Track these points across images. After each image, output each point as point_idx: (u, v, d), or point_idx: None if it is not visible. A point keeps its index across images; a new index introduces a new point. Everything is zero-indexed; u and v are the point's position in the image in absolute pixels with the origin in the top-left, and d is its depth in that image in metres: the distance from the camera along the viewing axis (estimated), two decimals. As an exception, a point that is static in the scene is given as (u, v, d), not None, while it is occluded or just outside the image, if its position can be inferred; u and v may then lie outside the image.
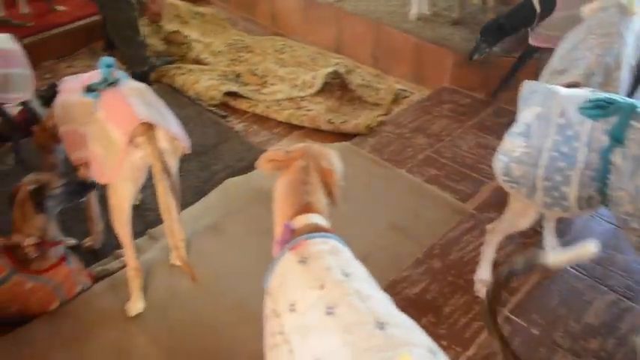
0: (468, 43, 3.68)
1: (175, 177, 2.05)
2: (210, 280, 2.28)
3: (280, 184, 1.47)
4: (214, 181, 2.91)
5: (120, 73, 2.11)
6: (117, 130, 1.88)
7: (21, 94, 2.77)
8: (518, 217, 1.99)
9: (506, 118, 3.37)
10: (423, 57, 3.86)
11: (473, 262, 2.29)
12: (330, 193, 1.47)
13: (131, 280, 2.13)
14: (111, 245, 2.50)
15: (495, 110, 3.45)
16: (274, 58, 4.21)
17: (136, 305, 2.16)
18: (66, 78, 2.34)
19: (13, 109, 3.10)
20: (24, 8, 4.36)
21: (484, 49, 3.30)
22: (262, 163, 1.53)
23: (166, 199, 1.90)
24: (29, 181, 2.07)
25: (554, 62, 2.30)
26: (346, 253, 1.28)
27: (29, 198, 2.02)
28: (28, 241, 2.02)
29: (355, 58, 4.19)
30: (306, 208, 1.37)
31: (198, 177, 2.97)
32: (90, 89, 2.03)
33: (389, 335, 1.04)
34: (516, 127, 1.84)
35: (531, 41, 3.14)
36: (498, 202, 2.58)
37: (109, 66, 2.07)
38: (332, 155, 1.55)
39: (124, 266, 2.22)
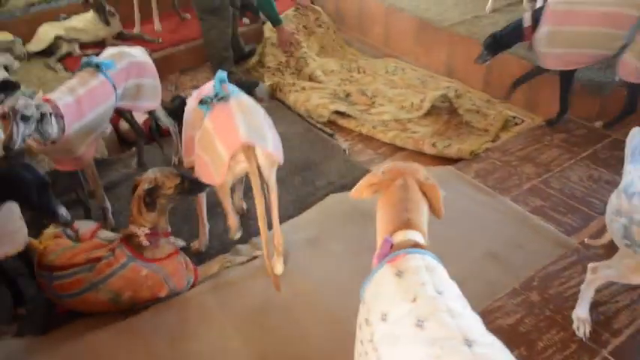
0: (588, 71, 3.54)
1: (273, 185, 2.34)
2: (306, 292, 2.38)
3: (381, 203, 1.51)
4: (317, 197, 3.03)
5: (232, 88, 2.33)
6: (222, 145, 2.15)
7: (150, 103, 3.04)
8: (631, 273, 1.89)
9: (623, 151, 3.20)
10: (538, 84, 3.76)
11: (573, 299, 2.20)
12: (432, 207, 1.49)
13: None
14: (214, 249, 2.71)
15: (611, 142, 3.28)
16: (385, 79, 4.30)
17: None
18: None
19: (140, 117, 3.43)
20: (157, 25, 4.78)
21: (485, 57, 3.45)
22: (361, 190, 1.55)
23: (262, 210, 2.17)
24: (146, 179, 2.24)
25: None
26: (441, 271, 1.31)
27: (144, 196, 2.21)
28: (141, 232, 2.24)
29: (467, 83, 4.16)
30: (406, 224, 1.41)
31: (301, 191, 3.10)
32: (203, 102, 2.28)
33: (476, 354, 1.05)
34: (637, 186, 1.74)
35: (542, 64, 3.27)
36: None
37: (222, 81, 2.31)
38: (423, 170, 1.56)
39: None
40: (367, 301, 1.34)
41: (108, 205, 2.88)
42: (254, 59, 4.64)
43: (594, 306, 2.17)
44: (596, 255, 2.41)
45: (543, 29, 3.07)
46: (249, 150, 2.13)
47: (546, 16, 3.06)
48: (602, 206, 2.77)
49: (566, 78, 3.30)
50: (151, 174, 2.25)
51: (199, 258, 2.66)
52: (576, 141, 3.32)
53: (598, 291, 2.23)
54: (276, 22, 4.18)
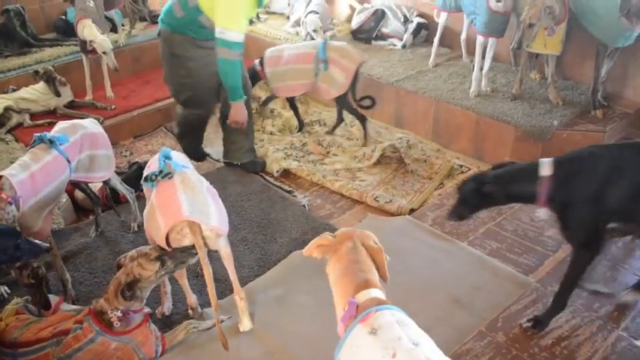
0: (529, 117, 3.78)
1: (224, 252, 2.45)
2: (277, 349, 2.37)
3: (333, 266, 1.58)
4: (281, 254, 3.05)
5: (176, 164, 2.40)
6: (162, 220, 2.22)
7: (104, 173, 3.03)
8: None
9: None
10: (484, 132, 3.97)
11: (537, 336, 2.28)
12: (379, 270, 1.56)
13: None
14: (180, 313, 2.68)
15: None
16: (342, 130, 4.46)
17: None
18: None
19: (96, 184, 3.40)
20: (109, 92, 4.81)
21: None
22: (312, 249, 1.64)
23: (210, 280, 2.26)
24: (125, 271, 2.19)
25: None
26: (412, 324, 1.36)
27: (123, 289, 2.16)
28: (114, 314, 2.19)
29: (417, 133, 4.35)
30: (366, 283, 1.47)
31: (265, 249, 3.11)
32: (147, 178, 2.38)
33: None
34: None
35: (275, 94, 4.39)
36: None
37: (166, 157, 2.39)
38: (373, 236, 1.65)
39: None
40: None
41: (68, 276, 2.81)
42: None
43: (557, 341, 2.25)
44: (553, 292, 2.51)
45: (267, 70, 4.11)
46: (193, 225, 2.19)
47: (266, 61, 4.13)
48: (554, 245, 2.92)
49: (291, 101, 4.45)
50: (129, 264, 2.20)
51: (165, 324, 2.62)
52: (524, 184, 3.48)
53: (559, 326, 2.33)
54: (232, 97, 3.47)
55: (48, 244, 2.35)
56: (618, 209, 2.09)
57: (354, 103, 4.10)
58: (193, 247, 2.24)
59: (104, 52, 4.40)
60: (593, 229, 2.12)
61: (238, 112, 3.51)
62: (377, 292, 1.43)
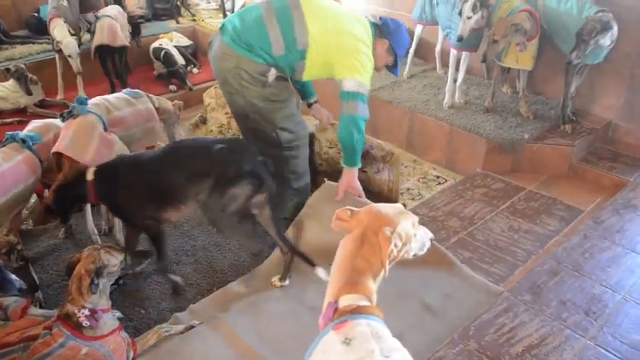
0: (500, 130, 3.87)
1: None
2: (249, 355, 2.36)
3: (340, 248, 1.50)
4: (254, 259, 3.02)
5: (82, 109, 2.80)
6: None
7: None
8: None
9: (537, 202, 3.47)
10: (456, 143, 4.03)
11: (508, 344, 2.33)
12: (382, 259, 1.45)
13: None
14: (152, 318, 2.65)
15: (527, 194, 3.56)
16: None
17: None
18: None
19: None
20: (81, 92, 4.71)
21: None
22: (334, 221, 1.55)
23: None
24: (90, 257, 2.17)
25: None
26: (387, 336, 1.33)
27: (92, 277, 2.14)
28: (81, 313, 2.15)
29: (392, 143, 4.38)
30: (353, 286, 1.41)
31: (237, 255, 3.09)
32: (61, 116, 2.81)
33: None
34: None
35: None
36: (532, 285, 2.65)
37: (80, 103, 2.84)
38: (399, 219, 1.51)
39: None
40: None
41: (36, 279, 2.74)
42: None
43: (527, 349, 2.30)
44: (523, 302, 2.57)
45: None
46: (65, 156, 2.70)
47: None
48: (524, 255, 2.98)
49: None
50: (93, 252, 2.19)
51: (136, 328, 2.58)
52: (495, 195, 3.56)
53: (529, 335, 2.38)
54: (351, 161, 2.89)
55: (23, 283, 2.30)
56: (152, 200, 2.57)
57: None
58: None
59: (69, 55, 4.33)
60: (138, 216, 2.65)
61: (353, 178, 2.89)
62: (359, 299, 1.38)
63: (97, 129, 2.81)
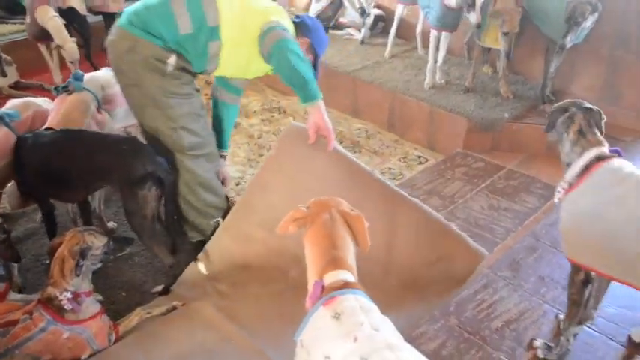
0: (481, 110, 3.89)
1: None
2: (232, 336, 2.35)
3: (308, 239, 1.53)
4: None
5: (78, 85, 2.77)
6: None
7: None
8: None
9: (517, 180, 3.52)
10: (437, 123, 4.05)
11: (488, 319, 2.36)
12: (358, 239, 1.53)
13: None
14: (134, 300, 2.64)
15: (507, 173, 3.60)
16: (304, 120, 4.45)
17: None
18: None
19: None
20: (57, 76, 4.65)
21: None
22: (286, 225, 1.56)
23: None
24: (74, 239, 2.16)
25: None
26: (375, 309, 1.36)
27: (77, 258, 2.13)
28: (63, 296, 2.13)
29: (374, 123, 4.40)
30: (335, 263, 1.44)
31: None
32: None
33: None
34: None
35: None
36: (511, 261, 2.69)
37: (76, 79, 2.81)
38: (345, 202, 1.60)
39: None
40: (305, 344, 1.36)
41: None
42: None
43: (507, 324, 2.34)
44: (503, 278, 2.60)
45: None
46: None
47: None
48: (503, 232, 3.02)
49: None
50: (77, 233, 2.17)
51: (117, 311, 2.57)
52: (475, 174, 3.60)
53: (508, 310, 2.42)
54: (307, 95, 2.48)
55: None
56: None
57: None
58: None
59: (71, 62, 4.21)
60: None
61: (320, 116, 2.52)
62: (345, 274, 1.41)
63: (90, 108, 2.79)
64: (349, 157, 2.70)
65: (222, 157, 2.94)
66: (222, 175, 2.89)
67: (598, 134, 2.03)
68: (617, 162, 1.93)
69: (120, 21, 2.48)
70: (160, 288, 2.69)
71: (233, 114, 2.93)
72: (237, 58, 2.55)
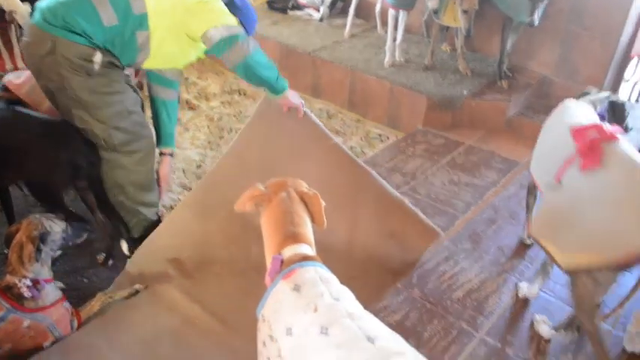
0: (440, 87, 3.93)
1: None
2: (195, 317, 2.34)
3: (265, 218, 1.54)
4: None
5: None
6: None
7: None
8: None
9: (476, 155, 3.57)
10: (398, 101, 4.07)
11: (450, 290, 2.41)
12: (314, 217, 1.54)
13: None
14: (94, 285, 2.60)
15: (466, 149, 3.65)
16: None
17: None
18: None
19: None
20: (20, 63, 4.44)
21: None
22: (244, 202, 1.56)
23: None
24: (32, 225, 2.11)
25: None
26: (334, 280, 1.37)
27: (37, 244, 2.08)
28: (22, 284, 2.08)
29: (335, 103, 4.40)
30: (294, 238, 1.44)
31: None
32: None
33: (379, 347, 1.13)
34: None
35: None
36: (471, 233, 2.75)
37: None
38: (304, 183, 1.61)
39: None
40: (267, 318, 1.36)
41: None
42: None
43: (468, 294, 2.39)
44: (464, 249, 2.66)
45: None
46: None
47: None
48: (464, 206, 3.08)
49: None
50: (34, 219, 2.11)
51: (79, 297, 2.52)
52: (435, 150, 3.64)
53: (469, 280, 2.47)
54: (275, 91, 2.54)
55: None
56: None
57: None
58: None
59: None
60: None
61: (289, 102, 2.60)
62: (304, 248, 1.42)
63: None
64: (321, 128, 2.72)
65: (165, 154, 2.88)
66: (160, 172, 2.87)
67: None
68: None
69: (34, 19, 2.28)
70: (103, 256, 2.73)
71: (172, 111, 2.86)
72: (168, 46, 2.44)
